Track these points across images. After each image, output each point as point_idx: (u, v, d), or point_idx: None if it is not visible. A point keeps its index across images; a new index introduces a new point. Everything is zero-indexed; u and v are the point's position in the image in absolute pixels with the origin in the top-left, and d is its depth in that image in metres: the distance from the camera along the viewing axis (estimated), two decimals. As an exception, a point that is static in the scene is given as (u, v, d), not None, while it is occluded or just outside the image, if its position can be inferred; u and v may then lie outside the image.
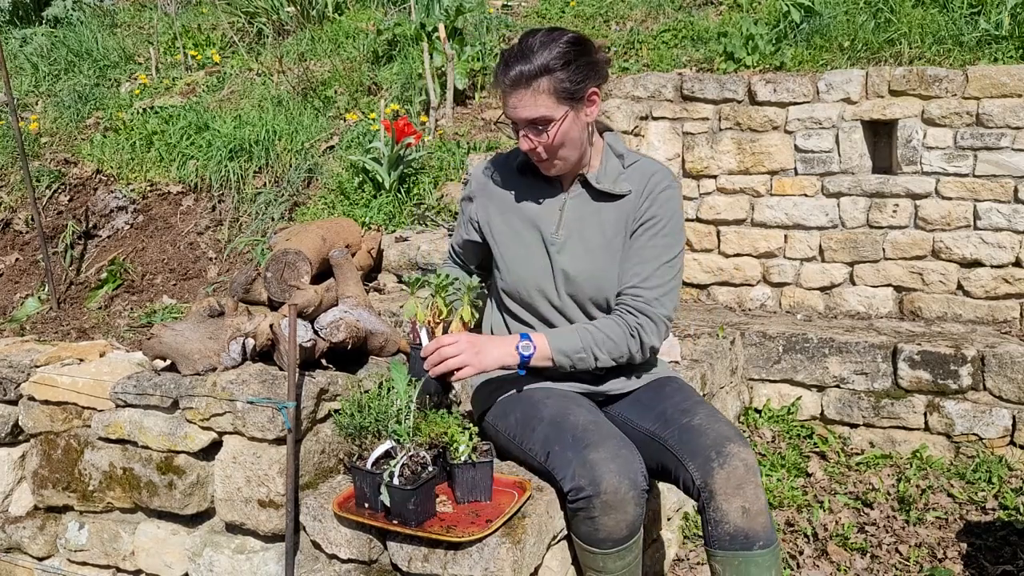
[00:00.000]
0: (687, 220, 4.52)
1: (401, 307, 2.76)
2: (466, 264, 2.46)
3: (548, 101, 2.04)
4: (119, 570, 2.48)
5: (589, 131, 2.17)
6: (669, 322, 2.19)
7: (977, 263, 4.08)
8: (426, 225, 3.65)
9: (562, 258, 2.19)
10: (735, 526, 1.96)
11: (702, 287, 4.59)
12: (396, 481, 1.89)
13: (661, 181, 2.20)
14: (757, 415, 3.83)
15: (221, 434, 2.23)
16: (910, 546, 2.93)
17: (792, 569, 2.84)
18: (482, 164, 2.36)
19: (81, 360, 2.62)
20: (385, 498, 1.91)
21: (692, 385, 2.71)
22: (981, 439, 3.49)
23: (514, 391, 2.25)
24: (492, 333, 2.37)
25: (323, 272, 2.65)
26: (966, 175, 4.05)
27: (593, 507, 1.93)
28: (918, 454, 3.55)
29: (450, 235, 3.40)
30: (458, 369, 2.02)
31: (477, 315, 2.22)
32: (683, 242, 2.24)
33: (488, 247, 2.32)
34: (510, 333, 2.29)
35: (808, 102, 4.25)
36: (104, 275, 3.99)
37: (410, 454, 1.97)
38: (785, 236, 4.39)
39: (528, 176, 2.25)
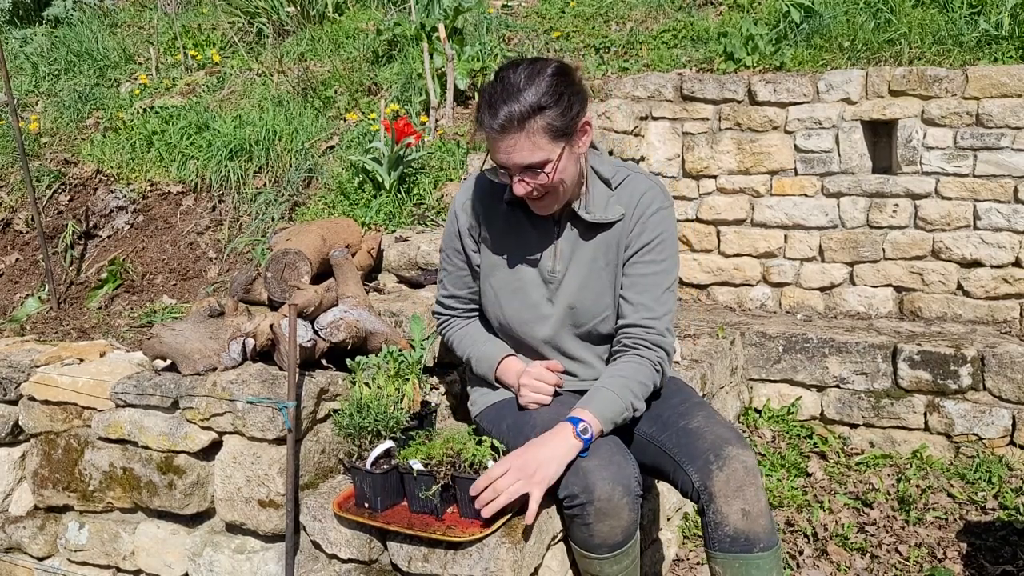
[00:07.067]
0: (687, 221, 4.53)
1: (402, 307, 2.76)
2: (471, 303, 2.33)
3: (543, 141, 1.89)
4: (119, 570, 2.48)
5: (581, 161, 2.06)
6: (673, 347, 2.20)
7: (977, 263, 4.08)
8: (426, 225, 3.65)
9: (560, 295, 2.16)
10: (735, 529, 1.94)
11: (702, 287, 4.59)
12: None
13: (652, 202, 2.10)
14: (757, 415, 3.83)
15: (221, 434, 2.23)
16: (910, 546, 2.93)
17: (792, 569, 2.84)
18: (464, 202, 2.22)
19: (81, 360, 2.62)
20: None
21: (692, 385, 2.71)
22: (981, 439, 3.49)
23: (506, 396, 2.24)
24: None
25: (323, 272, 2.65)
26: (966, 175, 4.05)
27: (587, 514, 1.91)
28: (918, 454, 3.55)
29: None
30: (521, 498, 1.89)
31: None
32: (678, 259, 2.18)
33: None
34: None
35: (808, 102, 4.25)
36: (104, 275, 3.98)
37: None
38: (785, 236, 4.38)
39: (518, 210, 2.15)
